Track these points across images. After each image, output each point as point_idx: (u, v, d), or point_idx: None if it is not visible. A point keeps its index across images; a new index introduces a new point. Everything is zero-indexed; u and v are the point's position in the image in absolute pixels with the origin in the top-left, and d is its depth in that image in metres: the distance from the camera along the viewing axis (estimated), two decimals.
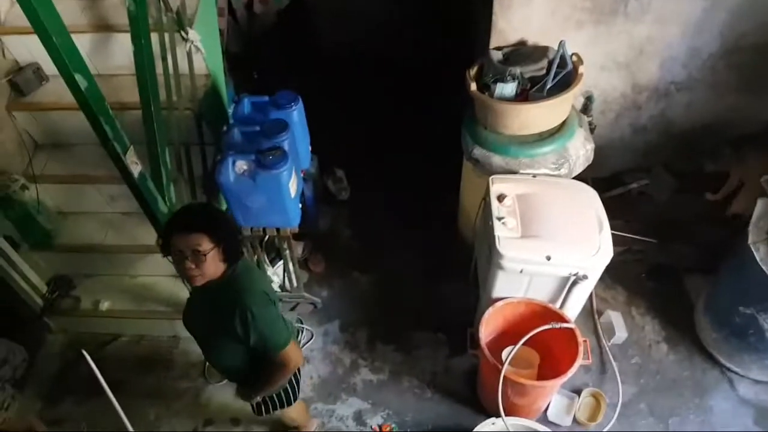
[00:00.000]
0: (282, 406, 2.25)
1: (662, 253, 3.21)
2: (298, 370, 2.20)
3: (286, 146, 2.51)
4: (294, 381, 2.23)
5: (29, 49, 2.81)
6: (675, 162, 3.40)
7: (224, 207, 2.84)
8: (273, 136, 2.52)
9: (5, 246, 2.80)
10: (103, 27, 2.74)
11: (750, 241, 2.39)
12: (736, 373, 2.80)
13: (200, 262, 1.69)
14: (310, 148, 3.03)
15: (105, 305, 3.12)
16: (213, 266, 1.73)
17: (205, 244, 1.68)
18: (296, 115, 2.75)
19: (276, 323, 1.86)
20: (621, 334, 2.94)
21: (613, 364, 2.88)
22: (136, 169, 2.25)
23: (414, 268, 3.39)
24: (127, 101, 2.59)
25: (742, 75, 3.00)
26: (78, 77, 1.87)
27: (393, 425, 2.79)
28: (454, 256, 3.28)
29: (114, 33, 2.73)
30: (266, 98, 2.78)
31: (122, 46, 2.71)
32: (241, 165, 2.48)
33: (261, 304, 1.81)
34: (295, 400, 2.26)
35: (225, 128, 2.79)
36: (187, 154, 2.68)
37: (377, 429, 2.79)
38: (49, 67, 2.78)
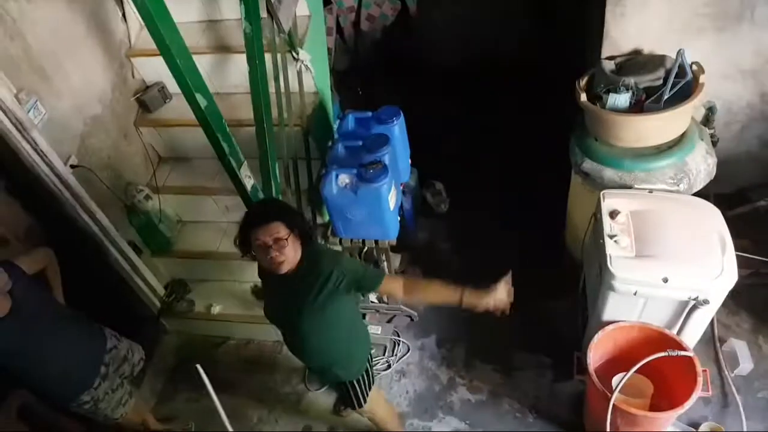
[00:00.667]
0: (359, 393, 2.27)
1: None
2: (371, 360, 2.27)
3: (386, 160, 2.54)
4: (368, 368, 2.26)
5: (155, 69, 3.06)
6: None
7: (327, 219, 2.93)
8: (374, 150, 2.57)
9: (129, 251, 3.04)
10: (221, 48, 2.94)
11: None
12: None
13: (283, 248, 1.82)
14: (410, 162, 3.05)
15: (216, 309, 3.31)
16: (293, 250, 1.87)
17: (283, 231, 1.82)
18: (397, 129, 2.78)
19: (364, 265, 2.04)
20: (746, 364, 2.68)
21: (737, 397, 2.62)
22: (249, 182, 2.38)
23: (516, 285, 3.28)
24: (242, 118, 2.75)
25: None
26: (198, 96, 2.02)
27: None
28: (560, 274, 3.14)
29: (231, 54, 2.92)
30: (369, 114, 2.85)
31: (238, 66, 2.89)
32: (344, 178, 2.55)
33: (345, 260, 1.99)
34: (370, 384, 2.30)
35: (330, 143, 2.88)
36: (295, 168, 2.79)
37: None
38: (172, 86, 3.03)
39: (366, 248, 2.92)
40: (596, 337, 2.38)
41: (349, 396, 2.29)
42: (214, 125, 2.12)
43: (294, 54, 2.72)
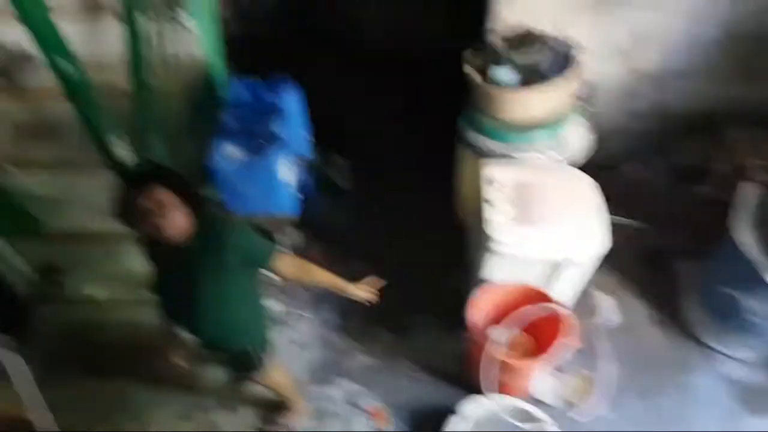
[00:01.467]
0: (257, 361, 2.27)
1: (655, 239, 3.26)
2: (268, 326, 2.26)
3: (281, 132, 2.51)
4: (265, 335, 2.27)
5: (17, 35, 2.75)
6: (671, 149, 3.43)
7: (217, 193, 2.84)
8: (267, 122, 2.52)
9: None
10: (92, 8, 2.69)
11: (737, 226, 2.44)
12: (719, 352, 2.87)
13: (169, 214, 1.74)
14: (308, 135, 3.01)
15: (95, 292, 3.12)
16: (181, 217, 1.78)
17: (169, 197, 1.74)
18: (292, 100, 2.74)
19: (261, 238, 1.99)
20: (612, 317, 3.00)
21: (603, 346, 2.93)
22: (126, 155, 2.24)
23: (410, 251, 3.41)
24: (118, 86, 2.55)
25: (739, 63, 3.03)
26: (64, 63, 1.85)
27: (386, 406, 2.84)
28: (450, 240, 3.31)
29: (104, 16, 2.69)
30: (262, 83, 2.77)
31: (113, 29, 2.67)
32: (234, 151, 2.49)
33: (240, 227, 1.92)
34: (268, 354, 2.30)
35: (219, 113, 2.78)
36: (180, 138, 2.67)
37: (370, 410, 2.84)
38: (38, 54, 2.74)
39: (261, 224, 2.87)
40: (480, 296, 2.55)
41: (246, 365, 2.29)
42: (82, 94, 1.97)
43: (175, 16, 2.56)
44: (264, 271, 2.05)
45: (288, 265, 2.01)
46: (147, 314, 3.10)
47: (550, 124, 2.65)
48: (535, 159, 2.65)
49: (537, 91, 2.52)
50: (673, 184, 3.40)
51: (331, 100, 3.45)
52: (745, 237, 2.40)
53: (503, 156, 2.67)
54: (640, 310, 3.09)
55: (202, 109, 2.86)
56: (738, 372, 2.83)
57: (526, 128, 2.65)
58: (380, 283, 2.20)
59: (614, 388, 2.81)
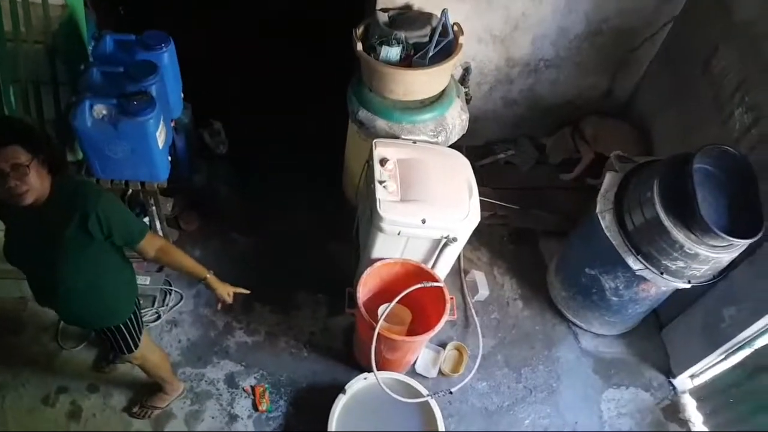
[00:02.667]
0: (128, 338, 2.13)
1: (523, 219, 3.49)
2: (138, 301, 2.13)
3: (153, 91, 2.31)
4: (135, 311, 2.13)
5: None
6: (539, 134, 3.69)
7: (80, 156, 2.57)
8: (139, 79, 2.31)
9: None
10: None
11: (597, 210, 2.68)
12: (581, 327, 3.18)
13: (24, 176, 1.59)
14: (182, 96, 2.82)
15: None
16: (39, 179, 1.64)
17: (23, 156, 1.58)
18: (166, 57, 2.53)
19: (128, 212, 1.88)
20: (483, 291, 3.18)
21: (475, 319, 3.11)
22: None
23: (296, 228, 3.34)
24: None
25: (602, 56, 3.31)
26: None
27: (266, 385, 2.79)
28: (337, 217, 3.29)
29: None
30: (132, 37, 2.53)
31: None
32: (101, 109, 2.25)
33: (106, 197, 1.77)
34: (140, 327, 2.18)
35: (83, 67, 2.50)
36: (36, 94, 2.36)
37: (249, 390, 2.77)
38: None
39: (131, 191, 2.66)
40: (365, 273, 2.57)
41: (117, 341, 2.12)
42: None
43: None
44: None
45: (153, 246, 1.91)
46: (3, 287, 2.79)
47: (432, 106, 2.71)
48: (418, 138, 2.70)
49: (423, 72, 2.57)
50: (541, 168, 3.67)
51: (213, 62, 3.26)
52: (606, 221, 2.65)
53: (391, 135, 2.69)
54: (509, 286, 3.32)
55: (67, 63, 2.56)
56: (598, 346, 3.15)
57: (411, 108, 2.69)
58: (243, 293, 2.17)
59: (486, 359, 3.00)
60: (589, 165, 3.48)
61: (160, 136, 2.41)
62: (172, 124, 2.77)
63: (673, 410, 2.99)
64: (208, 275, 2.03)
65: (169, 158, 2.61)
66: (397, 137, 2.70)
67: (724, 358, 2.82)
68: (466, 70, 3.08)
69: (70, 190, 1.73)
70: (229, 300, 2.11)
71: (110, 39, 2.54)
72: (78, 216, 1.69)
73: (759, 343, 2.63)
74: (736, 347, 2.75)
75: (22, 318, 2.83)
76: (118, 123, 2.25)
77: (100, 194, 1.76)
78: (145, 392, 2.65)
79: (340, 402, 2.58)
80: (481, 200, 2.58)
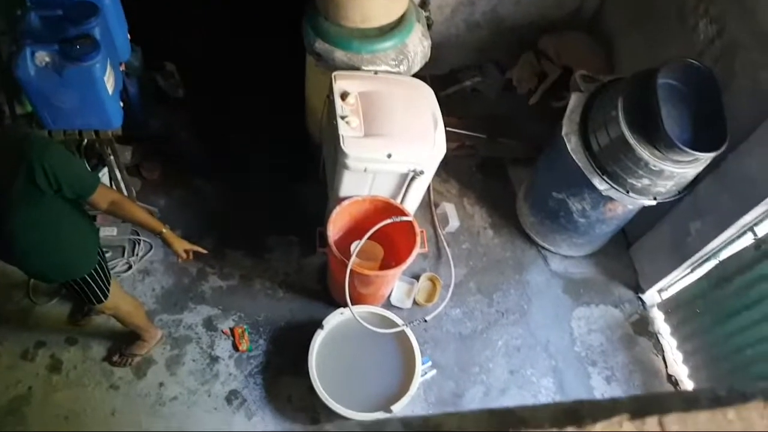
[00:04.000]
0: (96, 288, 2.12)
1: (491, 147, 3.47)
2: (102, 252, 2.12)
3: (97, 34, 2.19)
4: (100, 261, 2.11)
5: None
6: (505, 60, 3.61)
7: (28, 108, 2.46)
8: (80, 21, 2.18)
9: None
10: None
11: (563, 132, 2.67)
12: (549, 250, 3.24)
13: None
14: (129, 38, 2.68)
15: None
16: None
17: None
18: None
19: (79, 163, 1.87)
20: (454, 223, 3.21)
21: (447, 250, 3.15)
22: None
23: (262, 170, 3.29)
24: None
25: None
26: None
27: (245, 326, 2.82)
28: (302, 157, 3.24)
29: None
30: None
31: None
32: (43, 56, 2.14)
33: (54, 148, 1.73)
34: (107, 276, 2.17)
35: (19, 12, 2.35)
36: None
37: (228, 332, 2.81)
38: None
39: (85, 141, 2.57)
40: (334, 212, 2.56)
41: (86, 293, 2.11)
42: None
43: None
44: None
45: (106, 199, 1.87)
46: None
47: (392, 33, 2.62)
48: (380, 68, 2.62)
49: None
50: (508, 95, 3.61)
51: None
52: (571, 143, 2.65)
53: (351, 67, 2.61)
54: (479, 216, 3.35)
55: (2, 9, 2.40)
56: (567, 267, 3.23)
57: (370, 37, 2.60)
58: (200, 252, 2.21)
59: (458, 287, 3.06)
60: (556, 82, 3.42)
61: (109, 81, 2.31)
62: (122, 68, 2.65)
63: (642, 324, 3.11)
64: (163, 230, 2.04)
65: (121, 104, 2.51)
66: (357, 69, 2.61)
67: (691, 272, 2.92)
68: None
69: (16, 144, 1.67)
70: (184, 257, 2.12)
71: None
72: (24, 169, 1.64)
73: (724, 255, 2.71)
74: (702, 260, 2.83)
75: None
76: (62, 70, 2.14)
77: (46, 146, 1.70)
78: (124, 341, 2.67)
79: (319, 337, 2.63)
80: (447, 131, 2.55)
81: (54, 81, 2.16)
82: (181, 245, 2.10)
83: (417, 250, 2.51)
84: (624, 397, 0.49)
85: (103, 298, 2.18)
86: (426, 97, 2.61)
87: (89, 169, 2.66)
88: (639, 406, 0.48)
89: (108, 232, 2.87)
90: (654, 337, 3.07)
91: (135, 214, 1.97)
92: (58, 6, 2.25)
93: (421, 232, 2.57)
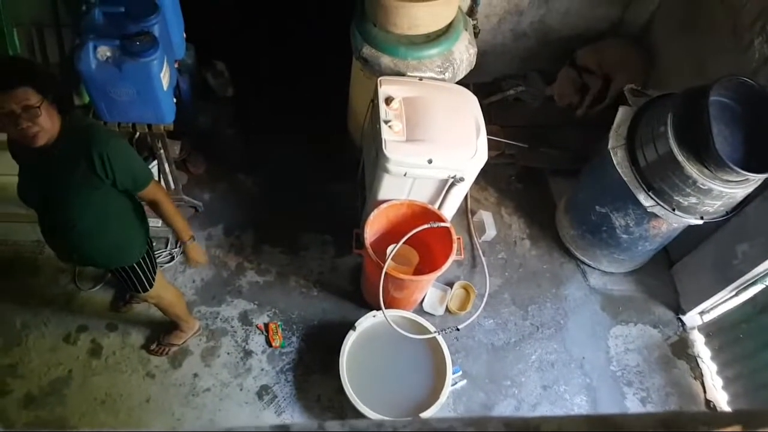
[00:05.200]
0: (143, 277, 2.20)
1: (531, 157, 3.44)
2: (151, 242, 2.20)
3: (156, 31, 2.28)
4: (148, 251, 2.18)
5: None
6: (549, 69, 3.58)
7: (87, 99, 2.57)
8: (141, 19, 2.27)
9: None
10: None
11: (609, 146, 2.63)
12: (589, 265, 3.18)
13: (36, 117, 1.60)
14: (185, 36, 2.77)
15: None
16: (50, 119, 1.66)
17: (34, 97, 1.59)
18: None
19: (136, 158, 1.91)
20: (491, 232, 3.18)
21: (482, 259, 3.13)
22: None
23: (302, 169, 3.35)
24: None
25: None
26: None
27: (279, 322, 2.86)
28: (343, 158, 3.28)
29: None
30: None
31: None
32: (104, 51, 2.23)
33: (115, 141, 1.79)
34: (154, 267, 2.24)
35: (84, 8, 2.46)
36: (40, 37, 2.34)
37: (262, 327, 2.85)
38: None
39: (138, 134, 2.66)
40: (372, 214, 2.57)
41: (132, 281, 2.18)
42: None
43: None
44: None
45: (152, 195, 1.97)
46: (20, 230, 2.86)
47: (439, 40, 2.63)
48: (425, 75, 2.64)
49: (428, 4, 2.48)
50: (551, 105, 3.57)
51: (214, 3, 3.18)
52: (618, 157, 2.60)
53: (396, 72, 2.63)
54: (517, 226, 3.32)
55: (68, 4, 2.52)
56: (606, 284, 3.17)
57: (416, 44, 2.62)
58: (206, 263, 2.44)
59: (493, 297, 3.03)
60: (597, 94, 3.38)
61: (165, 77, 2.39)
62: (176, 66, 2.74)
63: (681, 346, 3.02)
64: (188, 239, 2.16)
65: (175, 100, 2.60)
66: (402, 74, 2.64)
67: (735, 295, 2.82)
68: (474, 1, 2.97)
69: (81, 132, 1.75)
70: (196, 266, 2.35)
71: None
72: (86, 158, 1.71)
73: None
74: (747, 283, 2.74)
75: (39, 261, 2.92)
76: (122, 65, 2.23)
77: (109, 138, 1.78)
78: (162, 330, 2.74)
79: (351, 338, 2.65)
80: (488, 139, 2.54)
81: (113, 75, 2.25)
82: (200, 257, 2.27)
83: (453, 257, 2.50)
84: (731, 412, 0.49)
85: (148, 287, 2.24)
86: (469, 104, 2.61)
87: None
88: (748, 418, 0.46)
89: (153, 222, 2.93)
90: (693, 361, 2.98)
91: (172, 216, 2.06)
92: (120, 3, 2.35)
93: (458, 239, 2.57)
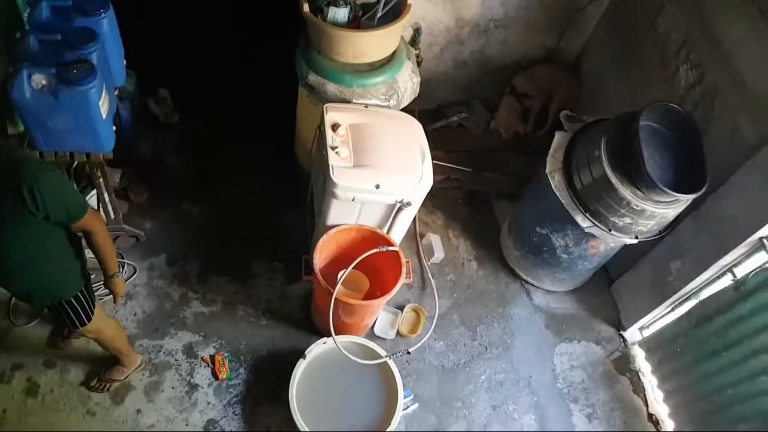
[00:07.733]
0: (81, 311, 2.12)
1: (476, 181, 3.54)
2: (88, 275, 2.13)
3: (94, 59, 2.23)
4: (86, 284, 2.12)
5: None
6: (490, 96, 3.71)
7: (21, 128, 2.48)
8: (78, 46, 2.22)
9: None
10: None
11: (547, 170, 2.73)
12: (532, 284, 3.27)
13: None
14: (125, 63, 2.73)
15: None
16: None
17: None
18: (106, 23, 2.44)
19: (70, 190, 1.86)
20: (439, 254, 3.23)
21: (432, 281, 3.17)
22: None
23: (250, 196, 3.31)
24: None
25: (550, 15, 3.32)
26: None
27: (226, 354, 2.79)
28: (290, 184, 3.27)
29: None
30: (69, 2, 2.42)
31: None
32: (40, 79, 2.17)
33: (46, 174, 1.71)
34: (92, 300, 2.18)
35: (18, 35, 2.39)
36: None
37: (208, 359, 2.78)
38: None
39: (76, 163, 2.58)
40: (321, 240, 2.57)
41: (69, 316, 2.09)
42: None
43: None
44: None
45: (87, 226, 1.91)
46: None
47: (383, 69, 2.69)
48: (370, 102, 2.68)
49: (372, 33, 2.54)
50: (493, 131, 3.68)
51: (156, 26, 3.14)
52: (555, 180, 2.71)
53: (342, 100, 2.66)
54: (464, 248, 3.38)
55: (1, 31, 2.44)
56: (549, 302, 3.26)
57: (361, 72, 2.67)
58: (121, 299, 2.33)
59: (442, 319, 3.06)
60: (538, 116, 3.52)
61: (103, 106, 2.34)
62: (116, 93, 2.68)
63: (623, 362, 3.12)
64: (117, 274, 2.12)
65: (114, 128, 2.54)
66: (348, 101, 2.67)
67: (671, 310, 2.95)
68: (417, 32, 3.06)
69: (11, 165, 1.68)
70: (120, 301, 2.37)
71: (46, 4, 2.42)
72: (16, 191, 1.64)
73: (704, 295, 2.74)
74: (682, 299, 2.87)
75: None
76: (58, 93, 2.17)
77: (41, 171, 1.70)
78: (103, 366, 2.63)
79: (301, 366, 2.61)
80: (434, 164, 2.60)
81: (49, 104, 2.18)
82: (122, 291, 2.22)
83: (402, 281, 2.52)
84: None
85: (86, 321, 2.16)
86: (414, 130, 2.67)
87: (78, 191, 2.66)
88: None
89: (92, 254, 2.85)
90: (635, 375, 3.08)
91: (103, 248, 2.00)
92: (57, 31, 2.30)
93: (407, 262, 2.59)
